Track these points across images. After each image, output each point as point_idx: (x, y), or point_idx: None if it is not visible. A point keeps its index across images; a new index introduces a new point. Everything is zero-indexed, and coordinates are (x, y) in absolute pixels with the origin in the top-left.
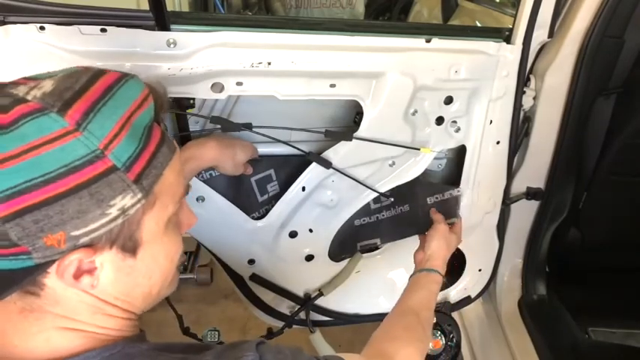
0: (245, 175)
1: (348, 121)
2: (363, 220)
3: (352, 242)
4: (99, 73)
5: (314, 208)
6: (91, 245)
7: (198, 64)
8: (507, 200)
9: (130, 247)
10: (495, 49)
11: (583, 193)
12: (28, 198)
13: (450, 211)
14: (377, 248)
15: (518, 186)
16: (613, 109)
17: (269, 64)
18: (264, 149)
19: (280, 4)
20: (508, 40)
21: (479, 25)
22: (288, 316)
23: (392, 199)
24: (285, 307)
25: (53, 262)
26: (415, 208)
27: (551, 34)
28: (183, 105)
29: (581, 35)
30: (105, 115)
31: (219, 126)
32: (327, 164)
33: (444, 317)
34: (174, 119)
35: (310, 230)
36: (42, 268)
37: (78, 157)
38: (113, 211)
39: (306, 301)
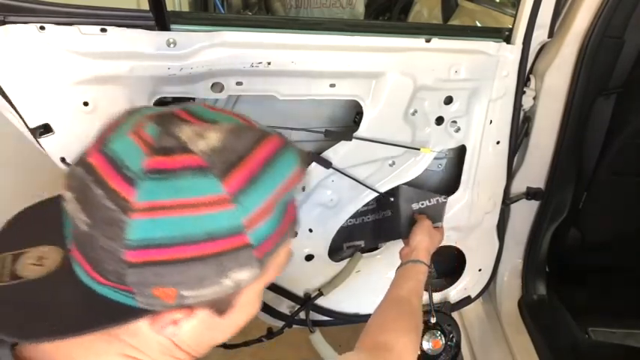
0: None
1: (348, 121)
2: (350, 222)
3: (340, 242)
4: (262, 136)
5: (314, 208)
6: (191, 306)
7: (198, 64)
8: (507, 200)
9: (223, 309)
10: (495, 49)
11: (583, 193)
12: (161, 253)
13: (434, 216)
14: (364, 250)
15: (518, 186)
16: (613, 109)
17: (269, 64)
18: None
19: (280, 4)
20: (508, 40)
21: (479, 25)
22: (288, 316)
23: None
24: (285, 306)
25: (153, 311)
26: (399, 213)
27: (551, 34)
28: None
29: (581, 35)
30: (258, 192)
31: None
32: (327, 164)
33: (444, 317)
34: None
35: (310, 230)
36: (140, 312)
37: (221, 228)
38: (229, 282)
39: (306, 301)
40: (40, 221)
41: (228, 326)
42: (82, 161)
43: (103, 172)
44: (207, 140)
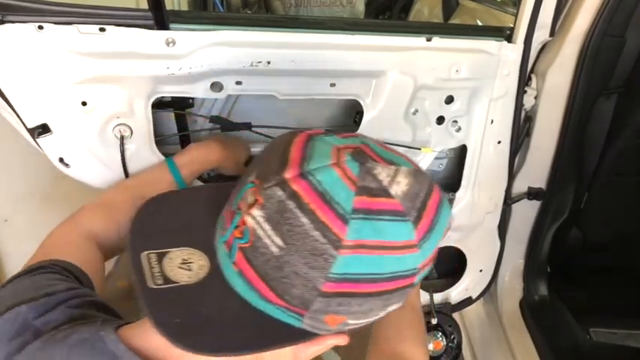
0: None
1: (348, 121)
2: None
3: None
4: (430, 181)
5: None
6: (344, 332)
7: (197, 64)
8: (508, 200)
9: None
10: (496, 48)
11: (584, 193)
12: (352, 287)
13: None
14: None
15: (520, 186)
16: (614, 109)
17: (268, 63)
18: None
19: (280, 2)
20: (509, 39)
21: (480, 24)
22: None
23: None
24: None
25: (313, 335)
26: None
27: (552, 34)
28: (182, 104)
29: (582, 34)
30: (434, 238)
31: (218, 125)
32: None
33: (445, 318)
34: (174, 119)
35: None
36: (305, 334)
37: (404, 270)
38: (382, 314)
39: None
40: (165, 219)
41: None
42: (281, 184)
43: (312, 203)
44: (400, 185)
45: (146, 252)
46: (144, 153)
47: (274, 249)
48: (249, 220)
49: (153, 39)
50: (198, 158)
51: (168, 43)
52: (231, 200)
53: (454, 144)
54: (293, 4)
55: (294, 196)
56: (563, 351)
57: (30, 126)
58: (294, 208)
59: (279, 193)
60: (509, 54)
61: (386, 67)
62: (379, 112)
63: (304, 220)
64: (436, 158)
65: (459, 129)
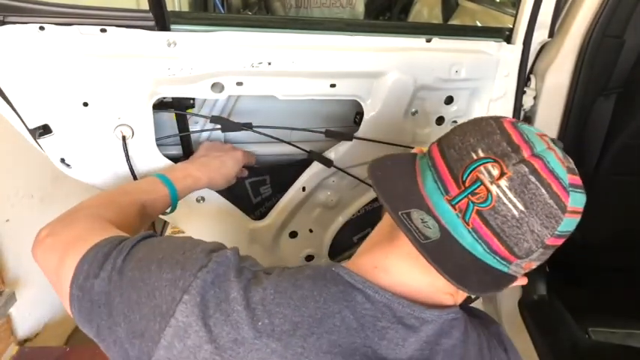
0: (240, 179)
1: (348, 121)
2: (355, 214)
3: (349, 237)
4: None
5: (314, 209)
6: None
7: (198, 64)
8: None
9: None
10: (496, 48)
11: None
12: (557, 241)
13: None
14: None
15: None
16: (613, 109)
17: (269, 64)
18: (264, 149)
19: (280, 3)
20: (508, 39)
21: (479, 24)
22: None
23: None
24: None
25: (515, 277)
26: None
27: (551, 34)
28: (183, 105)
29: (581, 35)
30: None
31: (219, 126)
32: (328, 163)
33: None
34: (175, 119)
35: (310, 230)
36: (512, 278)
37: (571, 230)
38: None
39: None
40: (392, 184)
41: None
42: (524, 161)
43: (547, 178)
44: (572, 164)
45: (400, 212)
46: (145, 153)
47: (515, 212)
48: (493, 189)
49: (154, 40)
50: (191, 175)
51: (169, 44)
52: (454, 171)
53: None
54: (293, 5)
55: (535, 172)
56: (562, 350)
57: (31, 126)
58: (535, 181)
59: (525, 169)
60: (509, 54)
61: (386, 68)
62: (379, 112)
63: (543, 190)
64: None
65: None
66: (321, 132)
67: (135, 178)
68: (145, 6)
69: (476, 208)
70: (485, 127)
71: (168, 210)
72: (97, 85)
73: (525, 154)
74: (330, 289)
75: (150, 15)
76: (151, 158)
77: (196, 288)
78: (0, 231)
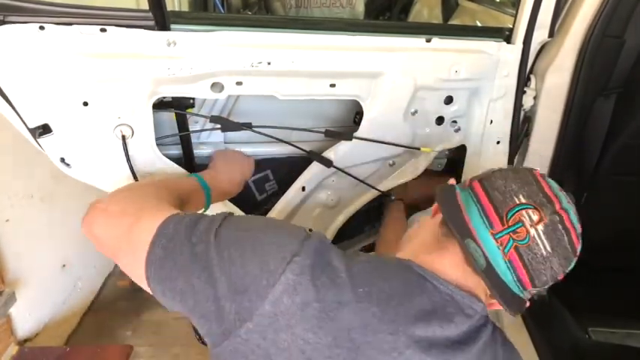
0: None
1: (348, 121)
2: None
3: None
4: None
5: (314, 208)
6: None
7: (198, 64)
8: None
9: None
10: (496, 48)
11: (583, 193)
12: (562, 277)
13: None
14: None
15: None
16: (613, 109)
17: (269, 63)
18: (264, 149)
19: (280, 3)
20: (508, 39)
21: (479, 24)
22: None
23: None
24: None
25: (525, 302)
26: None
27: (551, 34)
28: (183, 104)
29: (581, 35)
30: None
31: (219, 125)
32: (327, 163)
33: None
34: (175, 119)
35: (310, 230)
36: (523, 301)
37: None
38: None
39: None
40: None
41: None
42: (556, 212)
43: (570, 228)
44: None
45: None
46: (145, 153)
47: (544, 252)
48: (532, 230)
49: (154, 40)
50: (221, 188)
51: (169, 44)
52: (498, 210)
53: (454, 144)
54: (293, 5)
55: (562, 222)
56: (561, 350)
57: (31, 126)
58: (562, 229)
59: (557, 218)
60: (509, 54)
61: (386, 68)
62: (379, 112)
63: (565, 238)
64: (436, 158)
65: (459, 129)
66: (320, 132)
67: (135, 177)
68: (145, 6)
69: (515, 244)
70: (524, 177)
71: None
72: (96, 85)
73: (557, 206)
74: (409, 275)
75: (150, 15)
76: (150, 158)
77: (306, 252)
78: (0, 231)
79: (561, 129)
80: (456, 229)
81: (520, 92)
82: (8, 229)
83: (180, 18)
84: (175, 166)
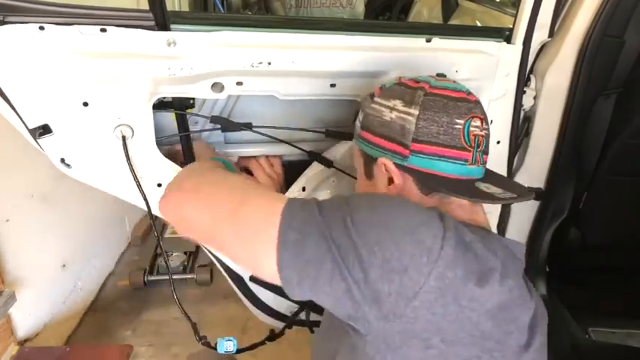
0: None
1: (348, 121)
2: None
3: None
4: None
5: None
6: None
7: (198, 64)
8: None
9: None
10: (496, 48)
11: (583, 193)
12: None
13: None
14: None
15: None
16: (613, 109)
17: (269, 63)
18: (264, 149)
19: (280, 3)
20: (508, 39)
21: (479, 24)
22: (288, 317)
23: None
24: (285, 307)
25: None
26: None
27: (551, 34)
28: (183, 105)
29: (581, 35)
30: None
31: (219, 125)
32: (328, 163)
33: None
34: (175, 119)
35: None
36: None
37: None
38: None
39: (306, 302)
40: None
41: None
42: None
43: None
44: None
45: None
46: (145, 153)
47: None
48: (482, 132)
49: (154, 40)
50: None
51: (169, 44)
52: (457, 146)
53: None
54: (293, 5)
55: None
56: (562, 350)
57: (31, 126)
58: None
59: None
60: (509, 54)
61: (386, 68)
62: None
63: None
64: None
65: None
66: (321, 132)
67: (135, 177)
68: (145, 6)
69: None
70: (438, 104)
71: None
72: (96, 85)
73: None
74: (491, 235)
75: (150, 15)
76: (150, 158)
77: (451, 228)
78: (0, 231)
79: (561, 129)
80: (462, 192)
81: (520, 92)
82: (8, 229)
83: (181, 18)
84: (175, 166)
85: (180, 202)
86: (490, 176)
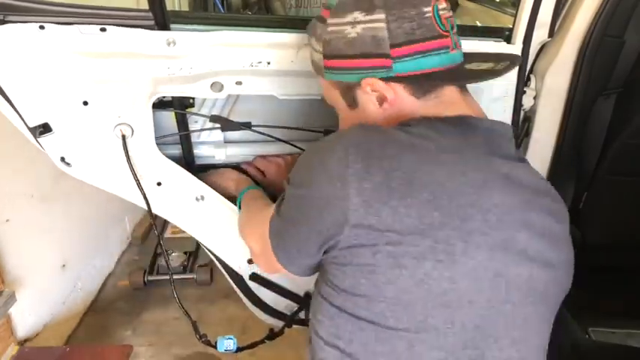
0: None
1: None
2: None
3: None
4: None
5: None
6: None
7: (197, 64)
8: None
9: None
10: (496, 48)
11: (583, 193)
12: None
13: None
14: None
15: None
16: (613, 109)
17: (268, 63)
18: (263, 148)
19: (280, 3)
20: (508, 39)
21: (479, 24)
22: (288, 316)
23: None
24: (284, 306)
25: None
26: None
27: (551, 34)
28: (182, 104)
29: (581, 35)
30: None
31: (218, 125)
32: None
33: None
34: (174, 118)
35: None
36: None
37: None
38: None
39: (306, 301)
40: None
41: None
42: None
43: None
44: None
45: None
46: (145, 152)
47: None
48: (445, 13)
49: (153, 39)
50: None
51: (168, 44)
52: (435, 35)
53: None
54: (293, 5)
55: None
56: (561, 350)
57: (31, 125)
58: None
59: None
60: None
61: None
62: None
63: None
64: None
65: None
66: (320, 132)
67: (135, 177)
68: (145, 5)
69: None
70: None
71: None
72: (96, 84)
73: None
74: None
75: (150, 14)
76: (150, 157)
77: (352, 145)
78: (0, 231)
79: (561, 129)
80: (460, 78)
81: (520, 92)
82: (8, 229)
83: (180, 18)
84: (175, 165)
85: (270, 267)
86: (471, 57)
